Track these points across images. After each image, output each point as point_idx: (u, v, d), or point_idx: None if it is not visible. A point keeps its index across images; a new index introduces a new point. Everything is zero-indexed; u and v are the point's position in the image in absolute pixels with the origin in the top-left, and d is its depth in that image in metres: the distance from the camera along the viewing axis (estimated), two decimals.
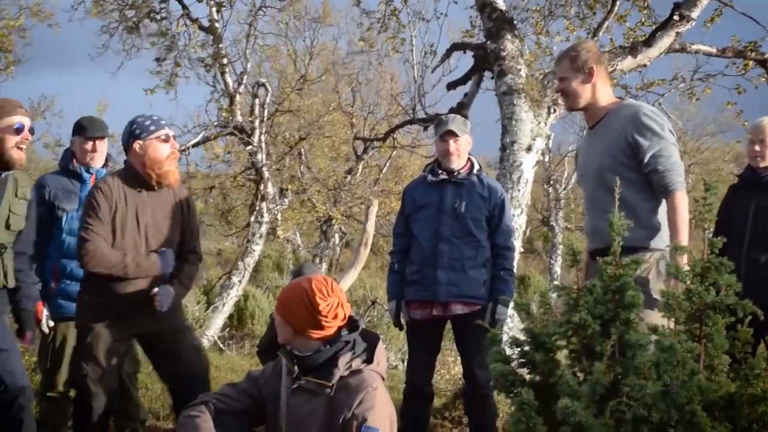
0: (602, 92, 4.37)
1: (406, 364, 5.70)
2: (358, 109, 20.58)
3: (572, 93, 4.38)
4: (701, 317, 2.49)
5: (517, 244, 6.95)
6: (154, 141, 4.50)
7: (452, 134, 5.19)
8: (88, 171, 5.13)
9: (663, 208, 4.18)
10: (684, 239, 3.97)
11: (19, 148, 4.28)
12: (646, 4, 9.66)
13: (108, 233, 4.41)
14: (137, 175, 4.53)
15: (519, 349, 2.65)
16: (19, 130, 4.24)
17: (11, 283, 4.34)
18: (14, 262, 4.42)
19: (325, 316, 3.51)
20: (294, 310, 3.54)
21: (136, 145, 4.51)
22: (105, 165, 5.22)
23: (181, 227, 4.68)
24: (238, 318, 14.44)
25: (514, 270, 5.38)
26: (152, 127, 4.53)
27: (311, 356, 3.51)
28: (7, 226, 4.31)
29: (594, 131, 4.42)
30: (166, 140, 4.55)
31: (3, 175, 4.32)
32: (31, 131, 4.35)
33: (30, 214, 4.50)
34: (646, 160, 4.11)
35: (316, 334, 3.53)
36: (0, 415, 4.45)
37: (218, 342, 12.34)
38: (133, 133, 4.53)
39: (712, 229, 3.00)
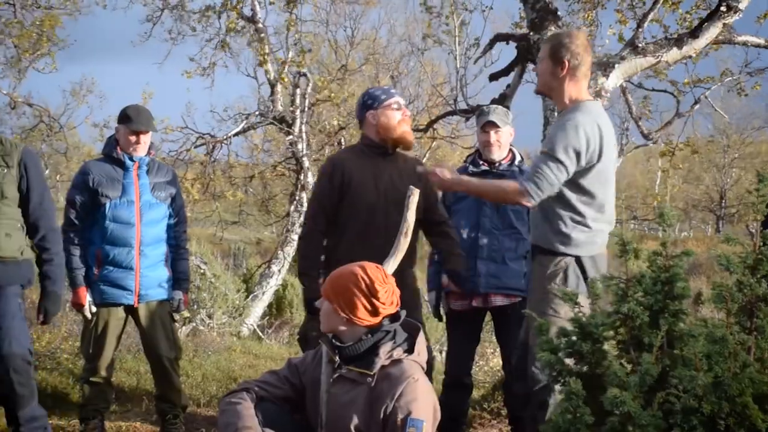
0: (569, 89, 4.27)
1: (444, 355, 5.68)
2: None
3: (539, 76, 4.38)
4: (752, 309, 2.45)
5: None
6: (386, 109, 4.74)
7: (493, 125, 5.17)
8: (131, 159, 5.15)
9: (579, 218, 4.16)
10: (466, 185, 4.45)
11: None
12: None
13: (325, 220, 4.76)
14: (373, 143, 4.79)
15: (566, 339, 2.62)
16: None
17: (4, 252, 4.41)
18: (29, 236, 4.54)
19: (383, 303, 3.49)
20: (351, 298, 3.49)
21: (369, 115, 4.78)
22: (148, 153, 5.24)
23: (423, 191, 4.74)
24: (278, 307, 14.49)
25: None
26: (383, 96, 4.80)
27: (353, 345, 3.48)
28: None
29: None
30: (398, 108, 4.77)
31: None
32: None
33: (33, 181, 4.55)
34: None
35: (369, 321, 3.49)
36: None
37: (257, 330, 12.41)
38: (365, 104, 4.82)
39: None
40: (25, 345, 4.47)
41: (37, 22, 12.57)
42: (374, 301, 3.47)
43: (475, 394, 6.37)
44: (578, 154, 4.05)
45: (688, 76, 10.23)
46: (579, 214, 4.14)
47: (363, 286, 3.48)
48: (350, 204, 4.69)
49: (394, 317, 3.58)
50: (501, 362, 5.44)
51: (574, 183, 4.11)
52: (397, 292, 3.59)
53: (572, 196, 4.13)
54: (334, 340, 3.54)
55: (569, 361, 2.64)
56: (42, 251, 4.55)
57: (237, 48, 13.60)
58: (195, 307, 10.34)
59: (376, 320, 3.49)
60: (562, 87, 4.26)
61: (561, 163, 4.04)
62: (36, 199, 4.55)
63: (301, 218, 12.98)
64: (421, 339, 3.58)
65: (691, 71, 10.05)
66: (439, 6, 10.57)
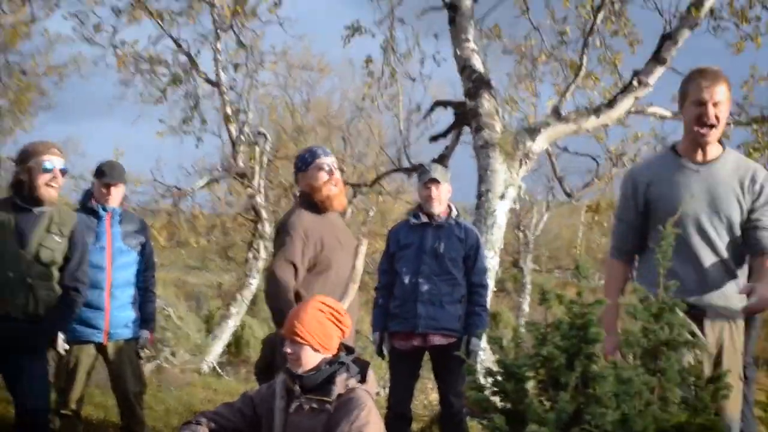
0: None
1: (387, 390, 5.67)
2: (349, 158, 20.61)
3: (722, 122, 3.49)
4: (656, 353, 2.51)
5: (491, 282, 6.95)
6: (312, 170, 4.57)
7: (434, 181, 5.24)
8: (104, 209, 5.13)
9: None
10: None
11: (49, 186, 4.30)
12: (616, 69, 9.75)
13: (295, 269, 4.39)
14: (308, 202, 4.57)
15: (492, 378, 2.65)
16: (47, 170, 4.27)
17: (42, 311, 4.34)
18: (59, 295, 4.46)
19: (347, 326, 3.58)
20: (326, 331, 3.49)
21: (300, 177, 4.65)
22: (120, 204, 5.23)
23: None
24: (236, 345, 14.39)
25: (488, 306, 5.40)
26: (309, 159, 4.61)
27: (313, 375, 3.47)
28: (37, 259, 4.31)
29: (700, 172, 3.55)
30: (324, 168, 4.56)
31: (37, 211, 4.34)
32: (63, 172, 4.39)
33: (76, 250, 4.52)
34: (755, 215, 3.44)
35: (332, 350, 3.52)
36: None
37: (217, 368, 12.25)
38: (296, 166, 4.69)
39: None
40: (47, 400, 4.46)
41: (22, 85, 12.54)
42: (341, 326, 3.54)
43: (414, 426, 6.35)
44: None
45: (618, 140, 10.50)
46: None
47: (331, 316, 3.53)
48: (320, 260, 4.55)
49: (348, 350, 3.61)
50: (438, 397, 5.44)
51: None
52: None
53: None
54: (294, 370, 3.54)
55: (495, 399, 2.67)
56: (64, 299, 4.49)
57: (204, 108, 13.48)
58: (160, 345, 10.21)
59: (336, 348, 3.54)
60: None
61: None
62: (73, 266, 4.52)
63: (259, 264, 12.95)
64: (371, 372, 3.60)
65: (623, 135, 10.35)
66: (379, 72, 10.71)
